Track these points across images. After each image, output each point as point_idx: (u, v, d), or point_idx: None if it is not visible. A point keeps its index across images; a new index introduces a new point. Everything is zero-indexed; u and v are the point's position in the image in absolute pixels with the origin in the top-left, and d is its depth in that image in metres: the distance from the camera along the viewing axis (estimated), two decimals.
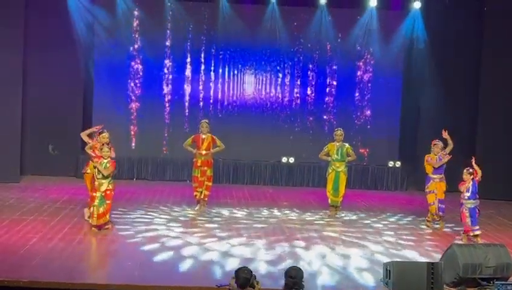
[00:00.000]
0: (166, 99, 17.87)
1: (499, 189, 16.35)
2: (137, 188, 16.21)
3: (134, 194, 15.30)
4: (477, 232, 11.73)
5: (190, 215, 13.36)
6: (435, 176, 12.93)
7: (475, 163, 11.94)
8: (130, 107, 17.75)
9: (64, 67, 17.06)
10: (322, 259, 10.36)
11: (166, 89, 17.86)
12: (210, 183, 13.81)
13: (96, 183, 11.55)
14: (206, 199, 13.89)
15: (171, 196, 15.18)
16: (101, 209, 11.45)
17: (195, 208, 13.76)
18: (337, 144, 13.73)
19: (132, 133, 17.76)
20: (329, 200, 13.95)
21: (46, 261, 9.54)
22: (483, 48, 16.95)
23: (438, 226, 13.03)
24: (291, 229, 12.43)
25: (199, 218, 13.11)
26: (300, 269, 6.83)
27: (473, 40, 17.20)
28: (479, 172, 11.81)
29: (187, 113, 17.85)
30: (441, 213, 12.94)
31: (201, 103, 17.93)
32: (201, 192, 13.70)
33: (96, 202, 11.42)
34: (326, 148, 13.86)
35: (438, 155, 12.91)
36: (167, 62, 17.79)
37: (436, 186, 12.90)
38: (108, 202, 11.54)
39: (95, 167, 11.62)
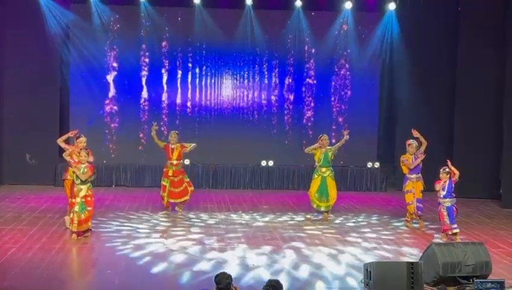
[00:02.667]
0: (143, 105, 17.82)
1: (477, 188, 16.47)
2: (117, 194, 16.14)
3: (113, 201, 15.26)
4: (456, 230, 11.83)
5: (170, 221, 13.31)
6: (412, 176, 13.03)
7: (451, 165, 12.05)
8: (107, 114, 17.68)
9: (40, 75, 16.96)
10: (305, 263, 10.39)
11: (143, 95, 17.81)
12: (192, 188, 14.02)
13: (75, 189, 11.52)
14: (183, 203, 14.05)
15: (151, 202, 15.11)
16: (82, 216, 11.39)
17: (161, 213, 13.84)
18: (323, 149, 13.80)
19: (110, 139, 17.68)
20: (315, 205, 13.96)
21: (26, 270, 9.47)
22: (458, 48, 17.08)
23: (417, 225, 13.10)
24: (272, 233, 12.43)
25: (179, 224, 13.07)
26: (278, 281, 6.81)
27: (448, 40, 17.33)
28: (457, 173, 11.92)
29: (165, 118, 17.80)
30: (419, 212, 13.01)
31: (178, 108, 17.90)
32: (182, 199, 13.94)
33: (77, 208, 11.37)
34: (315, 148, 13.88)
35: (413, 155, 13.00)
36: (144, 68, 17.74)
37: (413, 186, 12.98)
38: (89, 208, 11.50)
39: (74, 173, 11.57)
